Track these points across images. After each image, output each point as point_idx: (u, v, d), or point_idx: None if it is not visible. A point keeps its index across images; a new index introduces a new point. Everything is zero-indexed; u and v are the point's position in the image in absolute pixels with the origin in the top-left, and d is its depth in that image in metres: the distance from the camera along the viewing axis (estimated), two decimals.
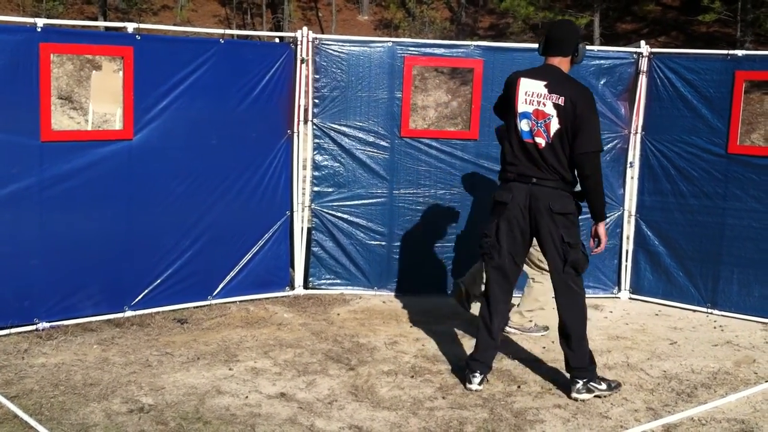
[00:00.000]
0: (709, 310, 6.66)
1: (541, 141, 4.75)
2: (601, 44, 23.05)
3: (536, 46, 6.95)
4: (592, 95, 4.88)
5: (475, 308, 5.85)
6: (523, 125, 4.80)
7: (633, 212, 7.15)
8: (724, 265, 6.62)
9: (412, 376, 5.10)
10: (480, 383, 4.91)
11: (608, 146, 7.08)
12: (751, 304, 6.56)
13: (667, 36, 26.21)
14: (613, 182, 7.12)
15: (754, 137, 16.17)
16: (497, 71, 6.93)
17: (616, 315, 6.69)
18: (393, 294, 7.02)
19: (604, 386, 4.86)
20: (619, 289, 7.24)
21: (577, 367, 4.84)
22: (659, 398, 4.86)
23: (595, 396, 4.81)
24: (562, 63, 4.88)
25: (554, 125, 4.71)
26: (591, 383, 4.83)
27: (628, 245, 7.20)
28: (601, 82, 7.05)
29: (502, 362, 5.40)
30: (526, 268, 5.86)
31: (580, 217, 4.95)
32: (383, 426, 4.34)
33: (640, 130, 7.07)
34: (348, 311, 6.51)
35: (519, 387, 4.98)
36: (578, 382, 4.82)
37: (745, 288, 6.52)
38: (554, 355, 5.55)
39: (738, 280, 6.58)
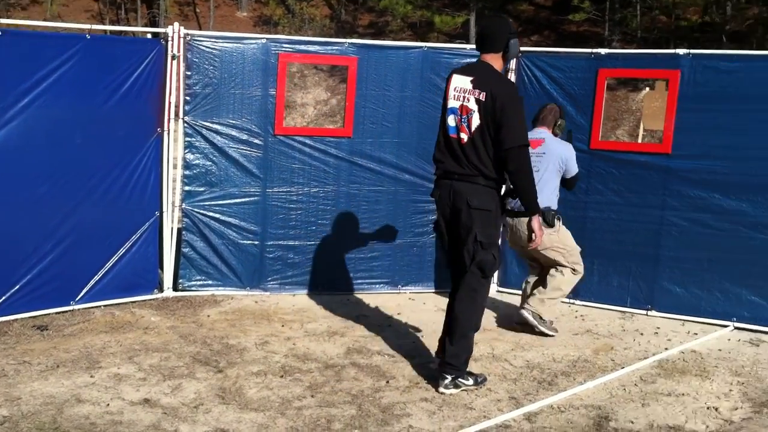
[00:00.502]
0: (571, 301, 6.88)
1: (464, 136, 4.79)
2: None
3: (411, 44, 7.12)
4: (516, 90, 4.93)
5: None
6: (450, 121, 4.87)
7: None
8: (585, 257, 6.83)
9: (282, 376, 5.08)
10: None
11: None
12: (610, 293, 6.85)
13: (539, 35, 26.99)
14: None
15: (619, 133, 16.82)
16: (371, 69, 7.02)
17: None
18: (266, 293, 6.97)
19: (470, 381, 4.94)
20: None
21: (450, 363, 4.89)
22: (521, 387, 5.01)
23: (461, 390, 4.91)
24: (494, 59, 4.90)
25: (475, 121, 4.74)
26: (459, 379, 4.91)
27: (499, 240, 7.36)
28: None
29: (372, 358, 5.45)
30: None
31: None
32: (250, 428, 4.31)
33: None
34: (219, 312, 6.43)
35: (387, 382, 5.03)
36: (447, 378, 4.90)
37: (604, 278, 6.79)
38: (423, 350, 5.65)
39: (598, 271, 6.85)
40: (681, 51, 6.65)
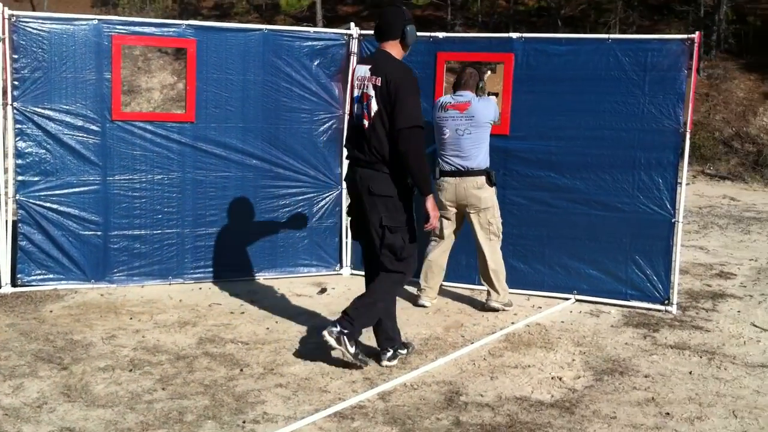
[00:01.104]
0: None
1: (366, 123, 4.88)
2: (324, 26, 23.49)
3: (251, 26, 7.04)
4: (411, 73, 4.92)
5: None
6: (356, 109, 5.02)
7: None
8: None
9: (131, 370, 4.91)
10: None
11: (324, 127, 7.26)
12: (460, 272, 7.01)
13: None
14: (331, 162, 7.32)
15: None
16: (212, 52, 6.87)
17: (338, 291, 6.87)
18: (113, 286, 6.72)
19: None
20: (341, 266, 7.45)
21: (349, 316, 4.88)
22: (375, 368, 5.05)
23: (330, 346, 4.90)
24: (393, 47, 4.99)
25: (374, 106, 4.83)
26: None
27: (347, 222, 7.41)
28: (315, 63, 7.17)
29: (225, 347, 5.36)
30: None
31: None
32: (97, 425, 4.15)
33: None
34: (62, 307, 6.14)
35: (241, 370, 4.96)
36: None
37: (453, 258, 6.92)
38: (277, 336, 5.61)
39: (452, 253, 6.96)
40: (514, 35, 6.86)
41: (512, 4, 25.04)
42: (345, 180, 5.21)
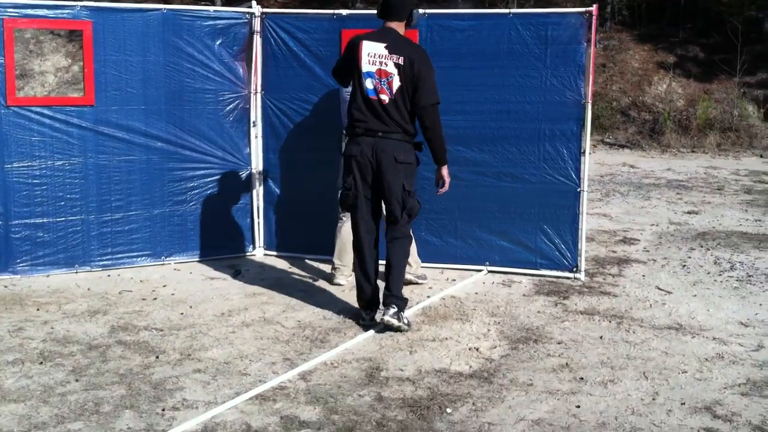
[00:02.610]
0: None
1: (384, 97, 5.25)
2: (223, 4, 23.07)
3: (149, 6, 6.84)
4: (427, 54, 5.41)
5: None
6: (368, 84, 5.28)
7: (260, 170, 7.29)
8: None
9: (41, 363, 4.76)
10: (371, 318, 5.45)
11: (230, 107, 7.16)
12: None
13: None
14: (239, 142, 7.22)
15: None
16: (109, 33, 6.67)
17: (252, 273, 6.82)
18: (16, 276, 6.49)
19: (406, 324, 5.33)
20: (254, 247, 7.39)
21: (395, 295, 5.34)
22: (294, 348, 5.04)
23: (394, 327, 5.26)
24: (398, 27, 5.42)
25: (396, 83, 5.24)
26: (402, 313, 5.32)
27: (259, 203, 7.35)
28: (218, 43, 7.05)
29: (139, 334, 5.26)
30: None
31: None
32: (10, 420, 4.00)
33: (259, 89, 7.19)
34: None
35: (157, 357, 4.87)
36: (393, 308, 5.29)
37: None
38: (192, 320, 5.53)
39: None
40: (419, 11, 6.87)
41: None
42: (350, 151, 5.34)
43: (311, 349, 5.04)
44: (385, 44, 5.29)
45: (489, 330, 5.41)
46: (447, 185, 5.53)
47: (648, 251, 7.73)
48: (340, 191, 5.59)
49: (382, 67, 5.26)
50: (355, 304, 5.88)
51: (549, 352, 5.00)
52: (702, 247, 7.88)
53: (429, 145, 5.40)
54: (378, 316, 5.39)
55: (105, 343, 5.09)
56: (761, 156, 15.85)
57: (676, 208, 10.05)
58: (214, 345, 5.08)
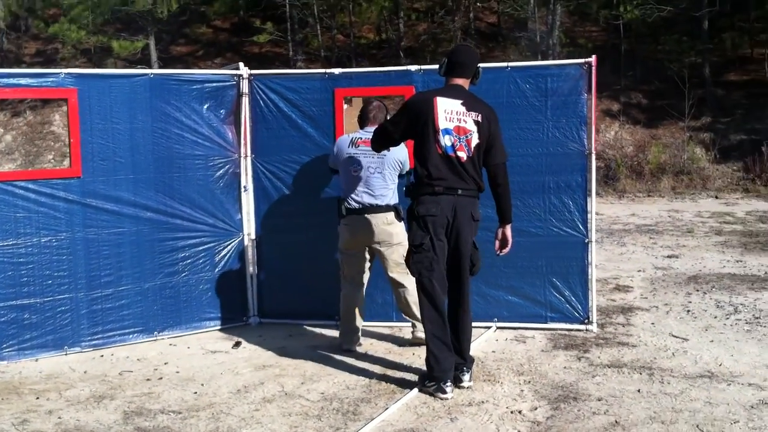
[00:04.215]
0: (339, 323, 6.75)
1: (462, 155, 5.16)
2: (160, 67, 22.83)
3: (135, 71, 6.61)
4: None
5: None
6: (446, 140, 5.15)
7: (253, 236, 7.04)
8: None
9: None
10: (452, 389, 5.16)
11: (220, 172, 6.94)
12: (376, 311, 6.82)
13: (223, 57, 26.84)
14: (230, 208, 6.97)
15: None
16: (95, 100, 6.40)
17: (253, 343, 6.51)
18: (3, 362, 6.06)
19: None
20: (249, 316, 7.09)
21: (472, 360, 5.39)
22: (329, 423, 4.76)
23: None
24: (465, 83, 5.35)
25: (474, 140, 5.19)
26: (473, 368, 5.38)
27: (253, 270, 7.08)
28: (206, 107, 6.83)
29: (157, 419, 4.90)
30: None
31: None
32: None
33: (249, 153, 6.98)
34: None
35: None
36: (470, 371, 5.31)
37: (368, 296, 6.71)
38: (209, 399, 5.20)
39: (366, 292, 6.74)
40: (413, 67, 6.81)
41: (352, 38, 25.28)
42: (428, 210, 5.18)
43: (346, 423, 4.76)
44: (461, 101, 5.21)
45: (522, 390, 5.22)
46: (509, 246, 5.46)
47: (646, 298, 7.68)
48: (408, 252, 5.38)
49: (461, 124, 5.17)
50: (374, 370, 5.65)
51: (593, 410, 4.83)
52: (698, 291, 7.87)
53: (500, 201, 5.34)
54: (465, 384, 5.26)
55: (123, 431, 4.74)
56: (716, 197, 16.19)
57: (655, 253, 10.09)
58: (242, 426, 4.76)
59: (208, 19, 28.48)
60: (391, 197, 6.15)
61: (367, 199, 6.11)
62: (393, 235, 6.13)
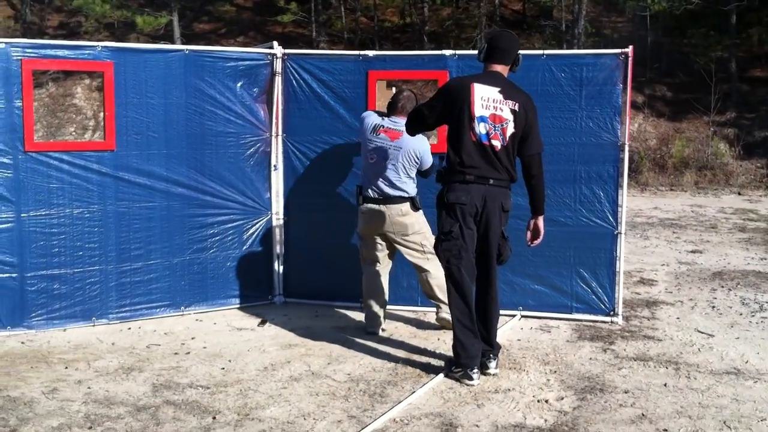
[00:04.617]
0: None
1: (497, 143, 5.06)
2: (183, 44, 22.82)
3: (171, 47, 6.62)
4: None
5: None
6: (481, 128, 5.05)
7: (281, 215, 7.07)
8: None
9: (90, 428, 4.43)
10: (479, 376, 5.16)
11: (251, 150, 6.94)
12: (401, 294, 6.84)
13: (245, 36, 26.83)
14: (259, 187, 7.00)
15: None
16: (130, 75, 6.42)
17: (279, 322, 6.55)
18: (32, 331, 6.13)
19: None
20: (274, 294, 7.12)
21: (498, 345, 5.39)
22: (356, 404, 4.79)
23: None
24: (504, 70, 5.20)
25: (510, 129, 5.08)
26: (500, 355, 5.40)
27: (279, 249, 7.11)
28: (239, 84, 6.84)
29: (185, 393, 4.95)
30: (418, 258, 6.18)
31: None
32: None
33: (281, 132, 6.99)
34: None
35: (214, 418, 4.59)
36: (497, 358, 5.32)
37: (394, 280, 6.73)
38: (236, 376, 5.24)
39: (392, 275, 6.75)
40: (447, 52, 6.81)
41: (376, 21, 25.21)
42: (458, 198, 5.09)
43: (373, 404, 4.79)
44: (498, 89, 5.09)
45: (549, 380, 5.23)
46: (541, 237, 5.39)
47: (671, 292, 7.66)
48: (437, 239, 5.32)
49: (497, 113, 5.05)
50: (400, 354, 5.68)
51: (620, 402, 4.84)
52: (723, 287, 7.85)
53: (533, 193, 5.27)
54: (492, 371, 5.27)
55: (153, 404, 4.78)
56: (739, 193, 16.11)
57: (678, 248, 10.06)
58: (270, 403, 4.80)
59: None
60: (407, 188, 6.09)
61: (381, 189, 6.07)
62: (407, 225, 6.10)
